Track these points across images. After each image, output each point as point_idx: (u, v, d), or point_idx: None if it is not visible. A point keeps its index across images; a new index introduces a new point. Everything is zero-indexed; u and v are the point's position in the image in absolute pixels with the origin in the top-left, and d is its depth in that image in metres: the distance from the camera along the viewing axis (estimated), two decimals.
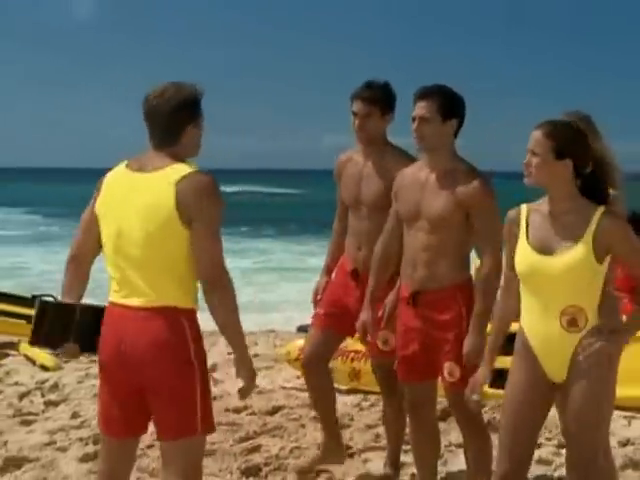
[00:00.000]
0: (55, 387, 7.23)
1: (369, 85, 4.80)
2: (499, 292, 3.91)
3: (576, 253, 3.44)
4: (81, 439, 5.73)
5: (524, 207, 3.64)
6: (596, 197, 3.53)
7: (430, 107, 4.23)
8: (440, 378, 4.39)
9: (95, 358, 7.85)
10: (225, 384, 7.19)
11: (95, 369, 7.73)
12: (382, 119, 4.81)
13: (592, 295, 3.50)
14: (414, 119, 4.27)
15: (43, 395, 6.97)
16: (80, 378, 7.55)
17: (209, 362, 8.28)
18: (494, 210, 4.20)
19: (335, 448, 5.11)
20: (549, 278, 3.49)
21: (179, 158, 3.36)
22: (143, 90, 3.45)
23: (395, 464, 5.12)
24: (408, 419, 4.65)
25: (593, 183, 3.54)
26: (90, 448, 5.54)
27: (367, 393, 6.59)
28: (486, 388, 6.34)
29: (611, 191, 3.66)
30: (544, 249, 3.50)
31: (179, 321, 3.32)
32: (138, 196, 3.33)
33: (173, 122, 3.36)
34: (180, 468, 3.37)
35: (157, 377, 3.30)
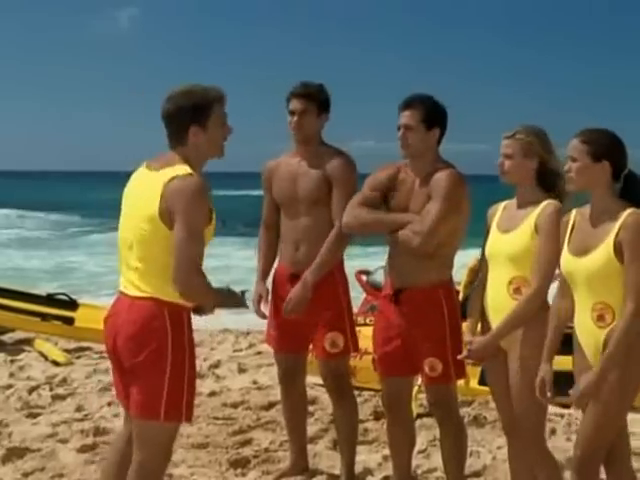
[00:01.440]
0: (64, 382, 7.55)
1: (305, 84, 4.93)
2: (556, 292, 4.09)
3: (602, 254, 3.66)
4: (82, 431, 5.99)
5: (574, 211, 3.91)
6: (633, 199, 3.73)
7: (414, 116, 4.43)
8: (421, 374, 4.59)
9: (105, 354, 8.18)
10: (226, 380, 7.50)
11: (103, 365, 8.07)
12: (318, 118, 4.92)
13: (620, 293, 3.66)
14: (399, 127, 4.46)
15: (52, 389, 7.28)
16: (88, 373, 7.88)
17: (214, 359, 8.60)
18: (456, 197, 4.38)
19: (300, 467, 5.25)
20: (581, 278, 3.74)
21: (189, 158, 3.56)
22: None
23: (350, 473, 5.14)
24: (385, 414, 4.84)
25: (631, 186, 3.74)
26: (89, 440, 5.81)
27: (361, 389, 6.77)
28: (474, 385, 6.59)
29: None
30: (579, 250, 3.75)
31: (160, 311, 3.52)
32: (140, 192, 3.59)
33: (176, 123, 3.58)
34: (140, 448, 3.57)
35: (133, 359, 3.53)
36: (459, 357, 4.36)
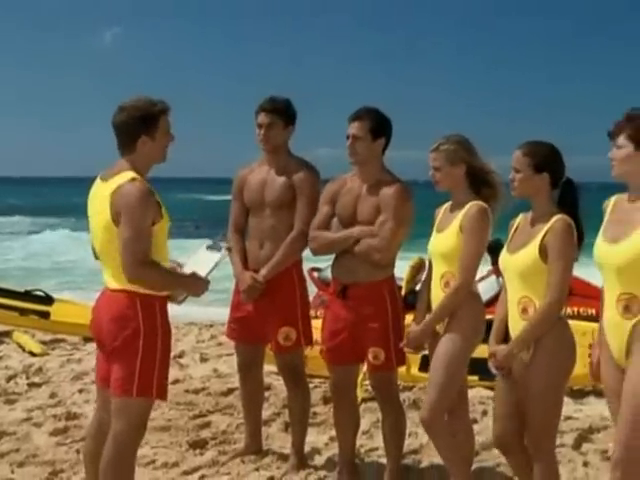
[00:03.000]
0: (39, 371, 8.00)
1: (272, 99, 5.31)
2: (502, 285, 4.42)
3: (529, 253, 4.02)
4: (55, 416, 6.46)
5: (521, 215, 4.27)
6: (568, 205, 4.04)
7: (362, 127, 4.84)
8: (365, 362, 4.99)
9: (78, 346, 8.60)
10: (189, 369, 7.99)
11: (76, 356, 8.58)
12: (285, 130, 5.29)
13: (542, 289, 3.96)
14: (348, 137, 4.87)
15: (28, 378, 7.74)
16: (62, 363, 8.35)
17: (178, 349, 9.09)
18: (404, 213, 4.78)
19: (254, 447, 5.66)
20: (512, 273, 4.11)
21: (137, 165, 4.01)
22: None
23: (300, 452, 5.51)
24: (332, 401, 5.27)
25: (568, 193, 4.06)
26: (61, 424, 6.28)
27: (312, 377, 7.22)
28: (415, 372, 7.05)
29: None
30: (513, 249, 4.12)
31: (133, 302, 3.99)
32: (95, 203, 4.07)
33: (127, 133, 3.99)
34: (117, 422, 4.07)
35: (112, 343, 4.03)
36: (400, 345, 4.76)
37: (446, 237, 4.49)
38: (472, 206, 4.45)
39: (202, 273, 4.14)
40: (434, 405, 4.47)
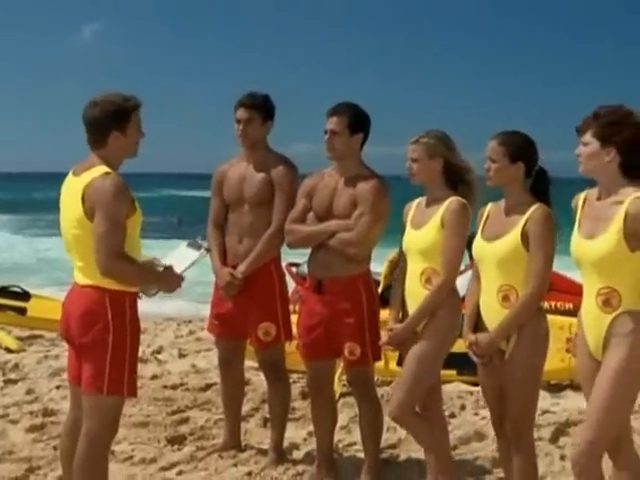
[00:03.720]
0: (16, 367, 7.96)
1: (251, 94, 5.31)
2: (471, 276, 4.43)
3: (510, 240, 4.04)
4: (31, 412, 6.42)
5: (490, 204, 4.31)
6: (540, 193, 4.13)
7: (340, 122, 4.84)
8: (342, 357, 4.97)
9: (55, 342, 8.51)
10: (167, 365, 7.98)
11: (53, 352, 8.54)
12: (263, 125, 5.29)
13: (522, 276, 4.02)
14: (326, 132, 4.87)
15: (4, 374, 7.69)
16: (39, 360, 8.30)
17: (157, 344, 9.06)
18: (381, 208, 4.78)
19: (232, 443, 5.64)
20: (490, 261, 4.12)
21: (108, 160, 4.02)
22: None
23: (279, 448, 5.51)
24: (309, 396, 5.27)
25: (540, 182, 4.11)
26: (38, 420, 6.24)
27: (291, 372, 7.22)
28: (393, 367, 7.05)
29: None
30: (491, 237, 4.13)
31: (102, 297, 3.96)
32: (67, 198, 4.06)
33: (99, 128, 4.01)
34: (89, 421, 4.04)
35: (81, 339, 4.01)
36: (380, 343, 4.74)
37: (425, 233, 4.47)
38: (452, 201, 4.44)
39: (179, 269, 4.12)
40: (402, 402, 4.49)
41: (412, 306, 4.51)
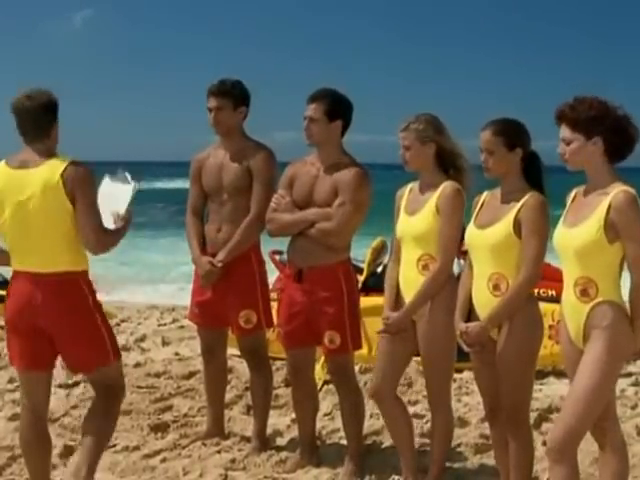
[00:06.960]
0: None
1: (221, 81, 5.26)
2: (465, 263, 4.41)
3: (503, 227, 4.02)
4: (14, 401, 6.41)
5: (486, 192, 4.28)
6: (532, 177, 4.09)
7: (318, 109, 4.83)
8: (322, 345, 4.98)
9: None
10: (150, 352, 7.96)
11: None
12: (235, 112, 5.25)
13: (514, 264, 4.02)
14: (305, 118, 4.86)
15: None
16: None
17: (140, 333, 9.04)
18: (362, 197, 4.79)
19: (216, 431, 5.66)
20: (482, 249, 4.10)
21: (51, 150, 4.17)
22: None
23: (262, 435, 5.53)
24: (291, 383, 5.30)
25: (532, 165, 4.10)
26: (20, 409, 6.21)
27: (274, 359, 7.24)
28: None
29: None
30: (484, 224, 4.11)
31: (77, 281, 4.21)
32: (30, 187, 4.11)
33: (44, 120, 4.16)
34: (103, 391, 4.34)
35: (66, 327, 4.17)
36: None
37: (421, 219, 4.44)
38: (447, 186, 4.43)
39: (122, 208, 4.36)
40: (377, 388, 4.66)
41: (408, 293, 4.50)
